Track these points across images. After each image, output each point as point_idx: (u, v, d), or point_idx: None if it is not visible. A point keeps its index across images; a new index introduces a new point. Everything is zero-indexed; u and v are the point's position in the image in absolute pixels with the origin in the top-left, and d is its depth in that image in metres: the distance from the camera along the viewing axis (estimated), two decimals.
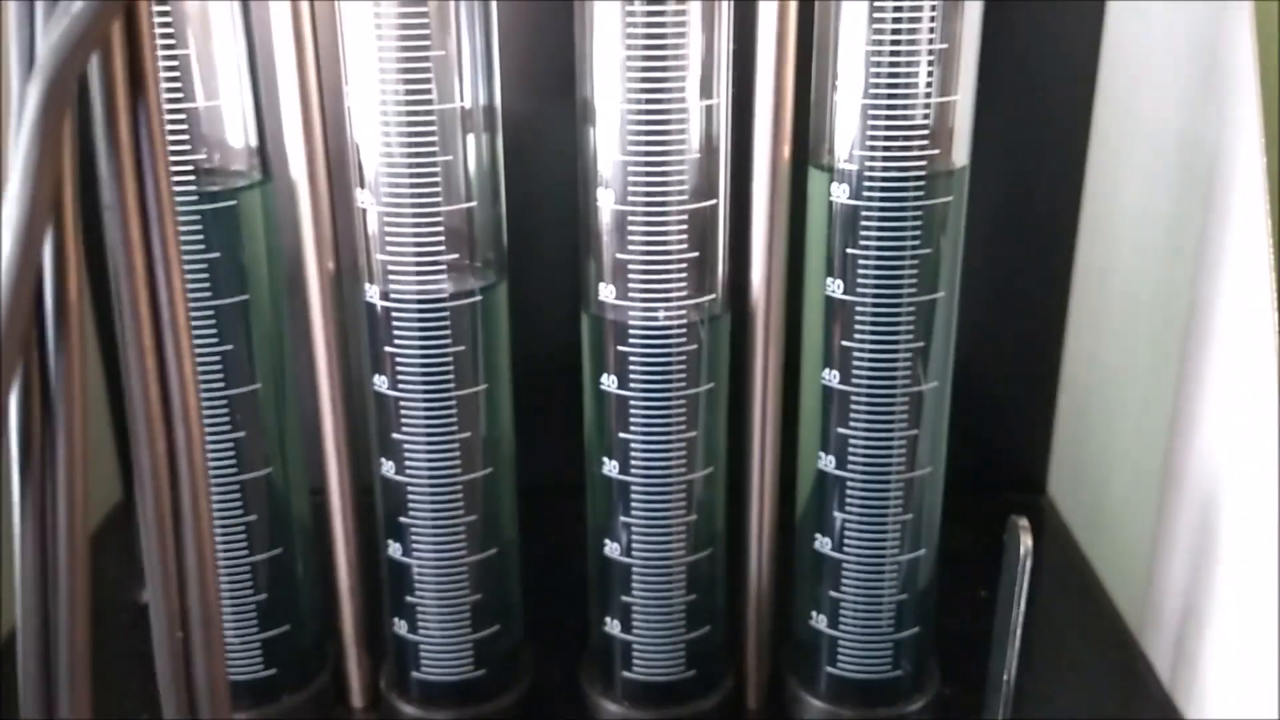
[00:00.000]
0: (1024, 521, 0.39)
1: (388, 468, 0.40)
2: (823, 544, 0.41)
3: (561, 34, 0.47)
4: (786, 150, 0.38)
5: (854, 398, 0.39)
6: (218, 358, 0.39)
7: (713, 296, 0.39)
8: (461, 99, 0.37)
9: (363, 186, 0.37)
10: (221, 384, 0.39)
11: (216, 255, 0.38)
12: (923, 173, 0.37)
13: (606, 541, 0.42)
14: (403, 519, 0.41)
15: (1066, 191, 0.55)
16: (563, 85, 0.39)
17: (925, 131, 0.36)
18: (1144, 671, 0.46)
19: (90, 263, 0.25)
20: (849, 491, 0.40)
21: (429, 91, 0.36)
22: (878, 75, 0.36)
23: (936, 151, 0.37)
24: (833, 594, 0.42)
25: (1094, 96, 0.53)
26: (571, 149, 0.38)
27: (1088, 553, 0.55)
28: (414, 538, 0.41)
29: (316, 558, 0.44)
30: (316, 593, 0.44)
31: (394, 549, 0.42)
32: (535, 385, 0.43)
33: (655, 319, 0.38)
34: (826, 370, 0.39)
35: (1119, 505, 0.53)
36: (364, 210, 0.38)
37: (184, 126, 0.37)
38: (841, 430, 0.40)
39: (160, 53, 0.36)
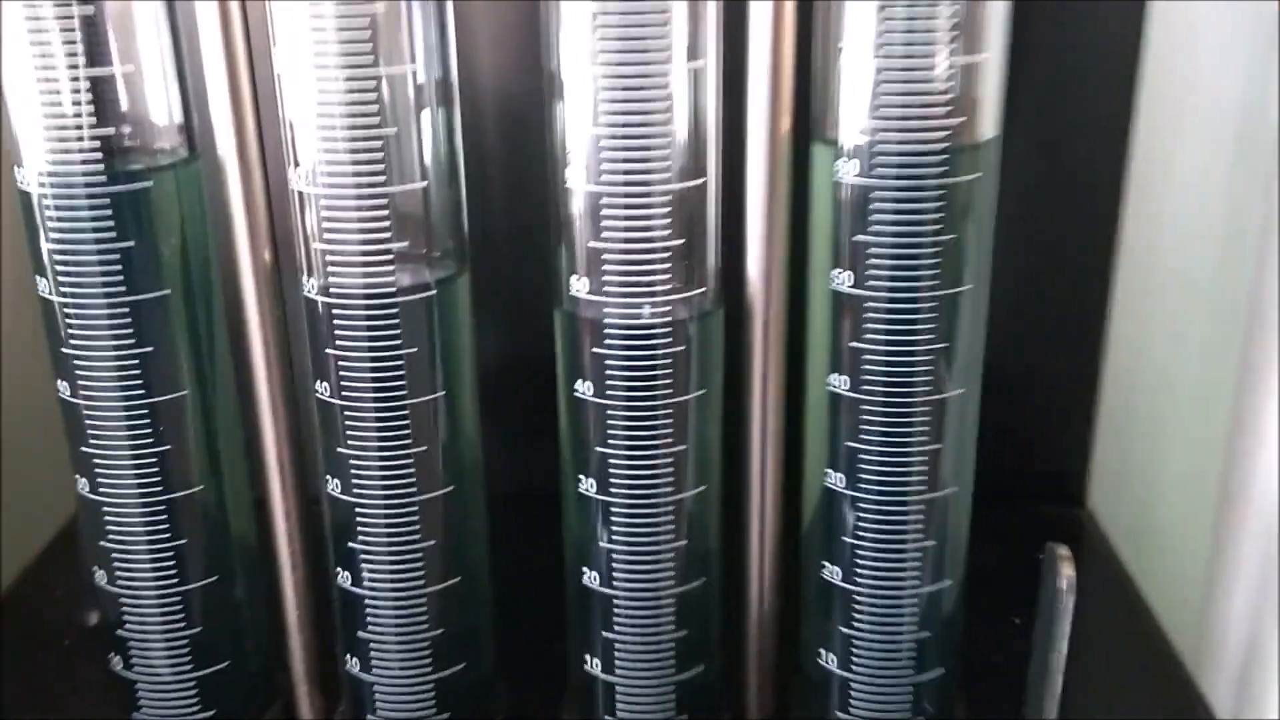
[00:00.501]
0: (1064, 550, 0.34)
1: (334, 485, 0.36)
2: (832, 573, 0.36)
3: None
4: (786, 122, 0.33)
5: (866, 406, 0.34)
6: (135, 360, 0.34)
7: (703, 290, 0.34)
8: (411, 61, 0.32)
9: (296, 165, 0.33)
10: (141, 391, 0.34)
11: (130, 245, 0.33)
12: (945, 145, 0.31)
13: (585, 569, 0.36)
14: (352, 544, 0.36)
15: (1108, 168, 0.49)
16: (532, 54, 0.34)
17: (948, 98, 0.31)
18: (1202, 715, 0.41)
19: None
20: (861, 514, 0.35)
21: (369, 53, 0.31)
22: (891, 32, 0.31)
23: (961, 120, 0.31)
24: (844, 630, 0.37)
25: (1140, 58, 0.47)
26: (542, 123, 0.33)
27: (1133, 572, 0.50)
28: (365, 566, 0.36)
29: (262, 585, 0.39)
30: (261, 624, 0.39)
31: (343, 578, 0.37)
32: (506, 390, 0.38)
33: (636, 316, 0.33)
34: (834, 375, 0.34)
35: (1170, 521, 0.47)
36: (299, 193, 0.33)
37: (91, 95, 0.32)
38: (852, 444, 0.34)
39: (65, 11, 0.31)
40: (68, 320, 0.33)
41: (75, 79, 0.32)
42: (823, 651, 0.37)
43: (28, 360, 0.49)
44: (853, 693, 0.37)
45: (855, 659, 0.37)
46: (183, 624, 0.37)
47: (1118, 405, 0.53)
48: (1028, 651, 0.45)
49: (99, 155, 0.32)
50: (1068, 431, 0.55)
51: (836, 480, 0.35)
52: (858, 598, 0.36)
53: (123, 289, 0.33)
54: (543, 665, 0.42)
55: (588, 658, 0.38)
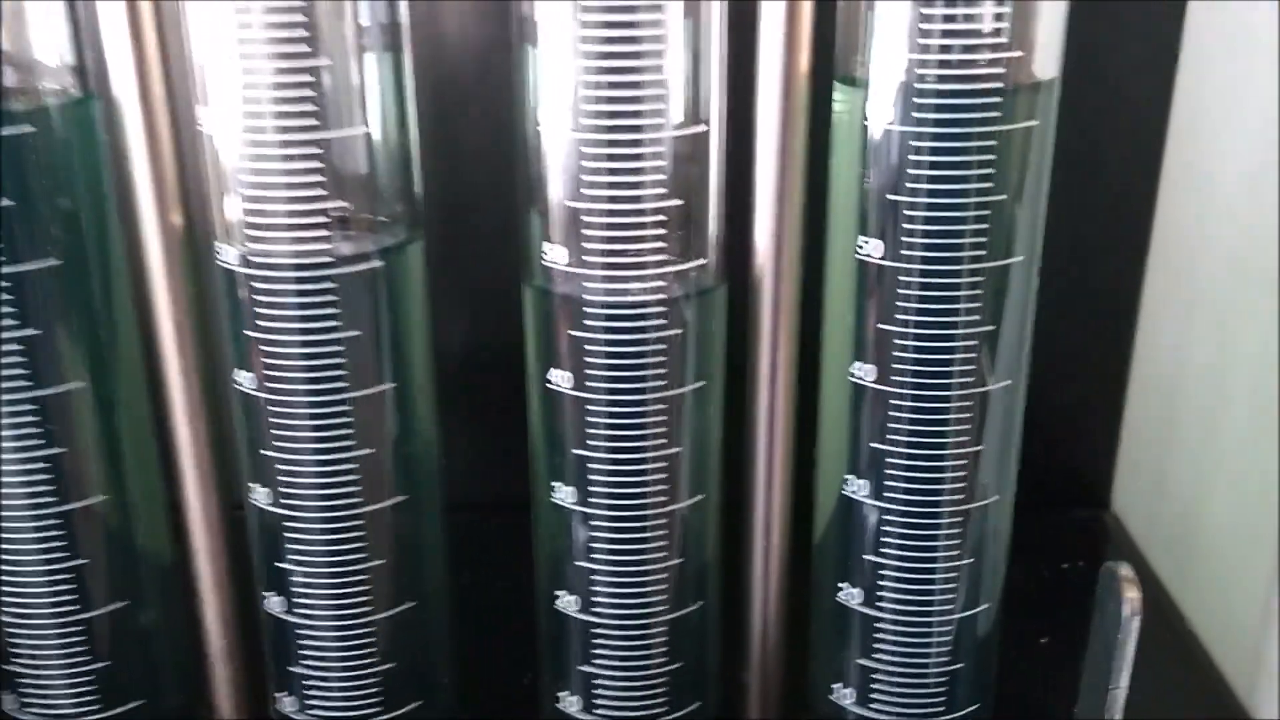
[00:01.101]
0: (1126, 569, 0.29)
1: (260, 495, 0.30)
2: (849, 595, 0.31)
3: None
4: (804, 59, 0.28)
5: (895, 400, 0.29)
6: (18, 346, 0.28)
7: (702, 262, 0.29)
8: None
9: (206, 104, 0.27)
10: (26, 383, 0.28)
11: (9, 204, 0.27)
12: (998, 85, 0.26)
13: (559, 592, 0.31)
14: (281, 564, 0.30)
15: (1145, 129, 0.44)
16: None
17: (1000, 29, 0.26)
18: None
19: None
20: (887, 527, 0.30)
21: None
22: None
23: (1018, 55, 0.26)
24: (862, 662, 0.31)
25: (1179, 46, 0.42)
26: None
27: (1168, 585, 0.45)
28: (298, 590, 0.30)
29: (179, 609, 0.33)
30: (179, 655, 0.34)
31: (272, 603, 0.31)
32: (468, 381, 0.32)
33: (623, 293, 0.28)
34: (858, 363, 0.29)
35: (1204, 525, 0.43)
36: (209, 137, 0.27)
37: None
38: (877, 445, 0.29)
39: None
40: None
41: None
42: (836, 688, 0.32)
43: None
44: None
45: (876, 695, 0.32)
46: (87, 657, 0.31)
47: (1144, 405, 0.48)
48: (1056, 678, 0.40)
49: None
50: (1093, 431, 0.50)
51: (858, 488, 0.30)
52: (880, 624, 0.31)
53: None
54: (509, 704, 0.37)
55: (561, 695, 0.32)
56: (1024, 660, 0.38)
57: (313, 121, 0.26)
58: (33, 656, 0.31)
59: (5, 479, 0.29)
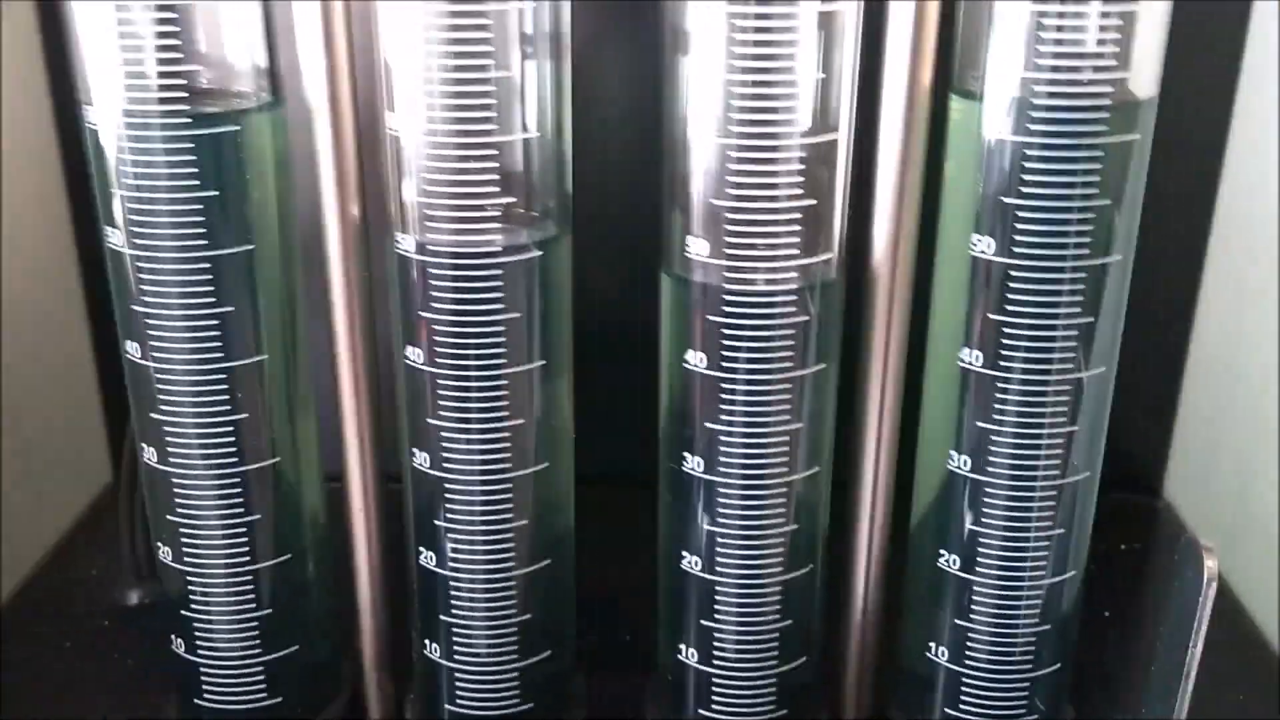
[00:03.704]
0: (1208, 543, 0.32)
1: (421, 459, 0.33)
2: (949, 561, 0.34)
3: None
4: (928, 74, 0.31)
5: (1001, 384, 0.32)
6: (215, 321, 0.31)
7: (828, 257, 0.32)
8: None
9: (394, 110, 0.30)
10: (220, 355, 0.32)
11: (214, 194, 0.30)
12: (1106, 102, 0.29)
13: (684, 553, 0.34)
14: (438, 522, 0.33)
15: (1210, 110, 0.46)
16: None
17: (1114, 50, 0.29)
18: None
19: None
20: (987, 499, 0.33)
21: None
22: None
23: (1125, 75, 0.29)
24: (958, 622, 0.34)
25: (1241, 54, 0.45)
26: (635, 71, 0.31)
27: (1226, 573, 0.47)
28: (452, 545, 0.34)
29: (331, 564, 0.37)
30: (330, 606, 0.37)
31: (426, 558, 0.34)
32: (584, 359, 0.35)
33: (756, 282, 0.31)
34: (966, 350, 0.32)
35: (1261, 515, 0.45)
36: (396, 138, 0.30)
37: (173, 29, 0.29)
38: (982, 424, 0.32)
39: None
40: (140, 275, 0.31)
41: (156, 13, 0.29)
42: (933, 645, 0.35)
43: (46, 336, 0.47)
44: (964, 689, 0.35)
45: (970, 653, 0.35)
46: (253, 605, 0.34)
47: (1198, 394, 0.51)
48: (1121, 646, 0.43)
49: (182, 95, 0.29)
50: (1146, 418, 0.52)
51: (961, 463, 0.33)
52: (978, 588, 0.34)
53: (203, 242, 0.30)
54: (616, 656, 0.40)
55: (682, 647, 0.35)
56: (1089, 630, 0.41)
57: (490, 126, 0.29)
58: (205, 603, 0.35)
59: (195, 441, 0.32)
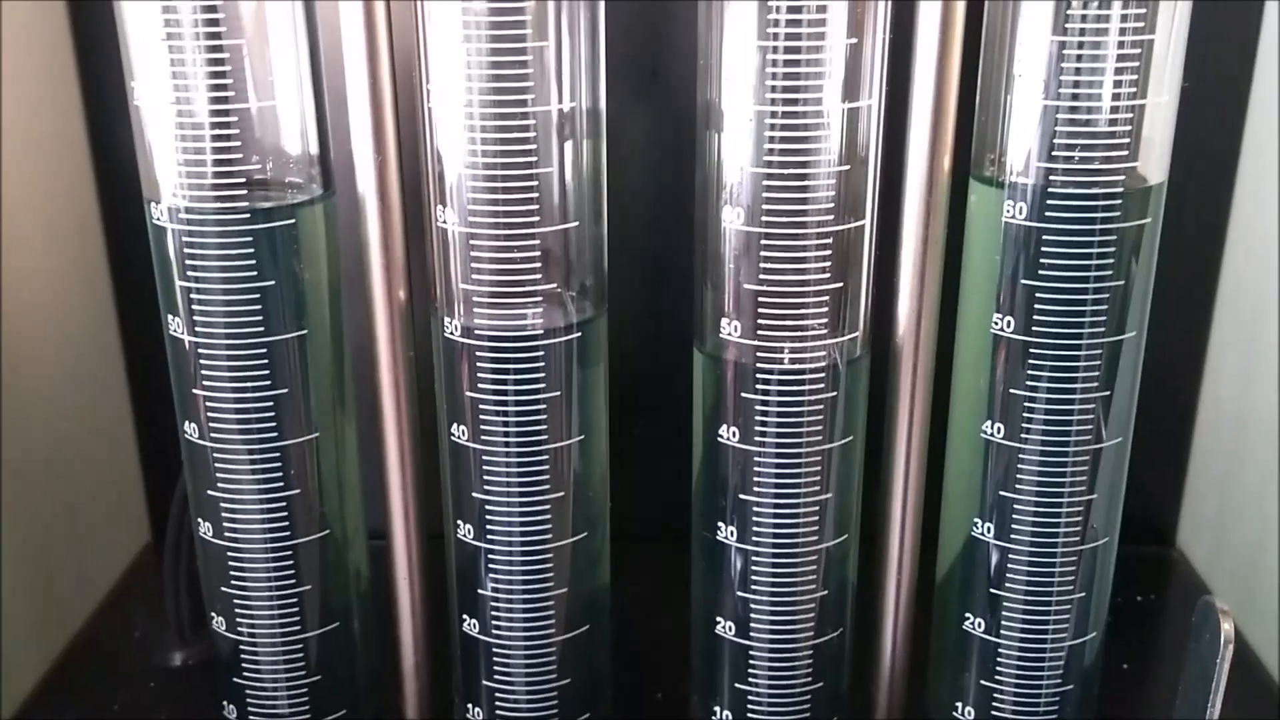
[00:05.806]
0: (1223, 605, 0.33)
1: (464, 530, 0.34)
2: (974, 624, 0.35)
3: (645, 25, 0.41)
4: (947, 161, 0.32)
5: (1023, 455, 0.33)
6: (269, 403, 0.33)
7: (854, 335, 0.33)
8: (560, 100, 0.31)
9: (444, 204, 0.31)
10: (274, 435, 0.33)
11: (271, 283, 0.32)
12: (1119, 189, 0.30)
13: (719, 619, 0.35)
14: (481, 591, 0.35)
15: (1209, 209, 0.48)
16: (642, 83, 0.33)
17: (1126, 139, 0.30)
18: None
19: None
20: (1011, 565, 0.34)
21: (527, 91, 0.30)
22: (1066, 72, 0.30)
23: (1136, 164, 0.30)
24: (984, 683, 0.36)
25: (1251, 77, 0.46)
26: (659, 154, 0.32)
27: (1240, 625, 0.48)
28: (494, 612, 0.35)
29: (373, 629, 0.38)
30: (374, 667, 0.38)
31: (469, 625, 0.35)
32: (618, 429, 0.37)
33: (787, 360, 0.32)
34: (988, 423, 0.33)
35: (1273, 565, 0.46)
36: (445, 230, 0.32)
37: (234, 130, 0.31)
38: (1005, 493, 0.33)
39: (206, 45, 0.30)
40: (201, 361, 0.32)
41: (216, 113, 0.30)
42: (959, 705, 0.36)
43: (91, 408, 0.48)
44: None
45: (997, 712, 0.36)
46: (303, 671, 0.36)
47: (1210, 444, 0.52)
48: (1140, 701, 0.44)
49: (242, 191, 0.31)
50: (1158, 467, 0.53)
51: (985, 530, 0.34)
52: (1003, 650, 0.35)
53: (260, 329, 0.32)
54: (651, 713, 0.41)
55: (716, 709, 0.36)
56: (1108, 684, 0.42)
57: (533, 218, 0.31)
58: (256, 671, 0.36)
59: (249, 516, 0.34)
